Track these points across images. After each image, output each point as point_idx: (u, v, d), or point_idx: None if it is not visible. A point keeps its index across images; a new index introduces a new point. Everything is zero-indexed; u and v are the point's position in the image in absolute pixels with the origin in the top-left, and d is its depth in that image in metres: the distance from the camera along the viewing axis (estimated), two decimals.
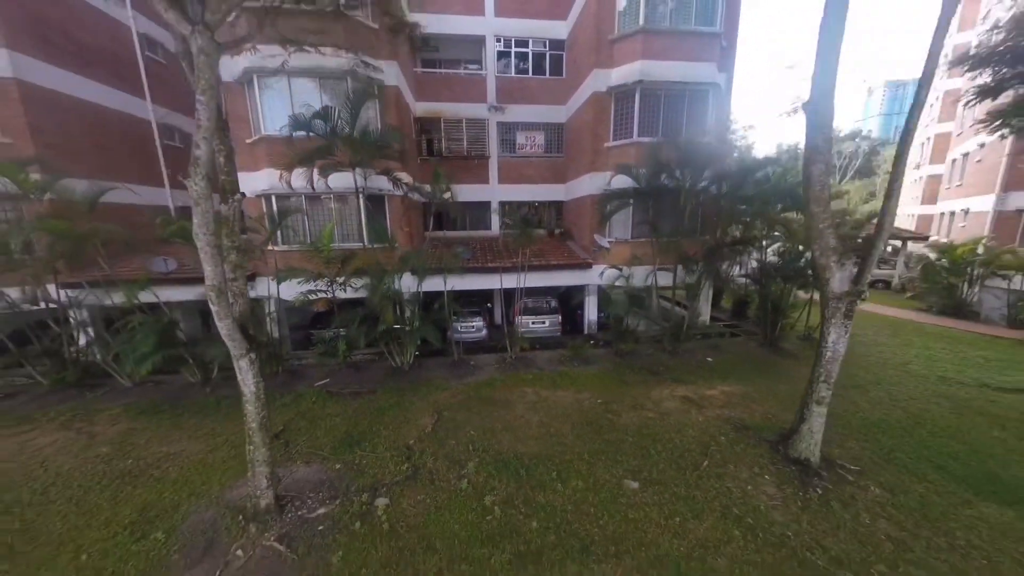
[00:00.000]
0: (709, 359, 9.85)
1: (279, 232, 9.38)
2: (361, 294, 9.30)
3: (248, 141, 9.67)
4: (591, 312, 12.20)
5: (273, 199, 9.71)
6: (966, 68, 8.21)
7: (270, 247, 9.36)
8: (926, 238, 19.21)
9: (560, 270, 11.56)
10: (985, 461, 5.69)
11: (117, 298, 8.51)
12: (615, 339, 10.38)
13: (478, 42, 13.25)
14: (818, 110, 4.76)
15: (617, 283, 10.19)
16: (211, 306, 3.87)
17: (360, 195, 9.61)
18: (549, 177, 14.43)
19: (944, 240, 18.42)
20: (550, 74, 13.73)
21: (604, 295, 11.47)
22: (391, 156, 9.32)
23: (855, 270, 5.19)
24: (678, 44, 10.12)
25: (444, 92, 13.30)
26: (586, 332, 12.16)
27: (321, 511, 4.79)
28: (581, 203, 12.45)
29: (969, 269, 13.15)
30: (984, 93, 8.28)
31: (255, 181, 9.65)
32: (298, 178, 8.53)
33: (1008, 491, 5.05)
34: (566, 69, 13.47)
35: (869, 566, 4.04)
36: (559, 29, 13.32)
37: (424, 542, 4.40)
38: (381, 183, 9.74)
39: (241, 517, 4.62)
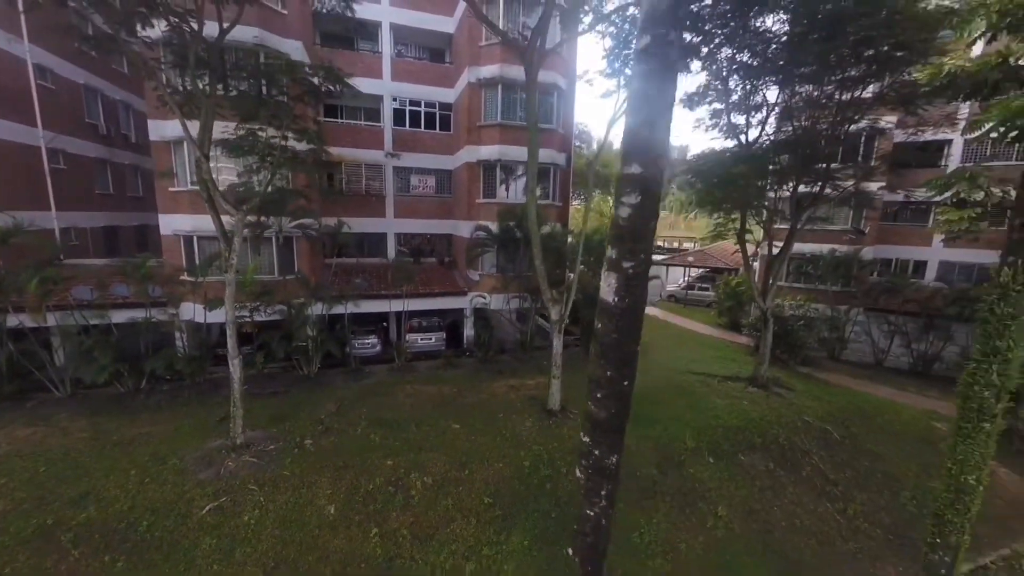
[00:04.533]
0: (545, 362, 16.92)
1: (208, 266, 14.01)
2: (276, 317, 14.41)
3: (171, 190, 14.17)
4: (468, 330, 18.65)
5: (195, 239, 14.32)
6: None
7: (200, 279, 13.93)
8: (736, 270, 29.65)
9: (442, 296, 17.82)
10: (666, 412, 13.22)
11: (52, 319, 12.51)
12: (478, 350, 16.95)
13: (377, 99, 19.06)
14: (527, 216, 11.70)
15: (482, 307, 16.80)
16: (227, 326, 9.20)
17: (278, 236, 14.74)
18: (441, 213, 20.70)
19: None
20: (440, 129, 20.11)
21: (479, 315, 18.05)
22: (301, 209, 14.63)
23: (566, 305, 12.25)
24: (526, 135, 17.19)
25: (346, 139, 18.76)
26: (464, 346, 18.56)
27: (272, 447, 10.27)
28: (462, 241, 18.92)
29: (739, 295, 22.67)
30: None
31: (180, 222, 14.19)
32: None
33: (655, 424, 12.50)
34: (453, 127, 19.94)
35: (562, 452, 10.88)
36: (448, 94, 19.77)
37: (335, 455, 10.19)
38: (292, 229, 14.98)
39: (223, 451, 9.87)
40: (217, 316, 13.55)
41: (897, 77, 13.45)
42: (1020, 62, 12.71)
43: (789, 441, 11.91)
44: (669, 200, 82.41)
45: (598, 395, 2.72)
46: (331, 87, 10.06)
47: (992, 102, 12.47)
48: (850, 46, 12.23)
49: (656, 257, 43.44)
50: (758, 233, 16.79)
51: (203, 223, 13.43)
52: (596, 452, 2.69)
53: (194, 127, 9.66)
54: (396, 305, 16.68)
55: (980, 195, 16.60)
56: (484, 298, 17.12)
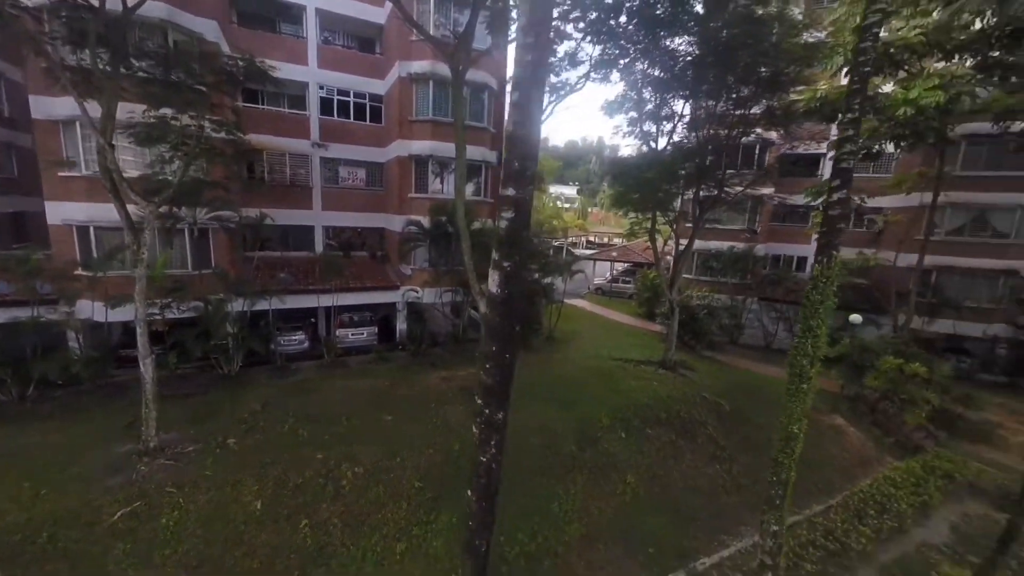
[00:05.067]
0: (478, 353, 17.64)
1: (110, 259, 12.90)
2: (191, 314, 13.66)
3: (62, 175, 12.86)
4: (401, 324, 18.81)
5: (91, 230, 13.13)
6: None
7: (100, 274, 12.79)
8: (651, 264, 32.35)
9: (373, 291, 17.80)
10: (586, 394, 14.40)
11: None
12: (411, 344, 17.24)
13: (302, 86, 18.41)
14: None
15: (415, 301, 17.07)
16: (137, 324, 8.79)
17: (192, 228, 13.92)
18: (372, 207, 20.49)
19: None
20: (371, 121, 19.86)
21: (411, 309, 18.27)
22: (218, 199, 13.94)
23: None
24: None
25: (267, 126, 17.93)
26: (397, 340, 18.70)
27: (191, 449, 9.96)
28: (394, 235, 18.96)
29: (655, 287, 24.93)
30: None
31: (72, 211, 12.93)
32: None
33: (576, 406, 13.62)
34: (384, 120, 19.80)
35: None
36: (379, 86, 19.58)
37: (261, 453, 10.13)
38: (208, 221, 14.22)
39: (134, 456, 9.43)
40: (121, 314, 12.60)
41: (779, 98, 15.66)
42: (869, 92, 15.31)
43: (689, 415, 13.65)
44: (600, 197, 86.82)
45: (487, 366, 3.41)
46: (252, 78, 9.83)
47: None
48: (741, 70, 14.11)
49: (584, 252, 45.99)
50: (669, 232, 18.74)
51: (101, 212, 12.40)
52: (487, 411, 3.37)
53: (93, 109, 9.02)
54: (325, 300, 16.43)
55: None
56: (417, 292, 17.38)
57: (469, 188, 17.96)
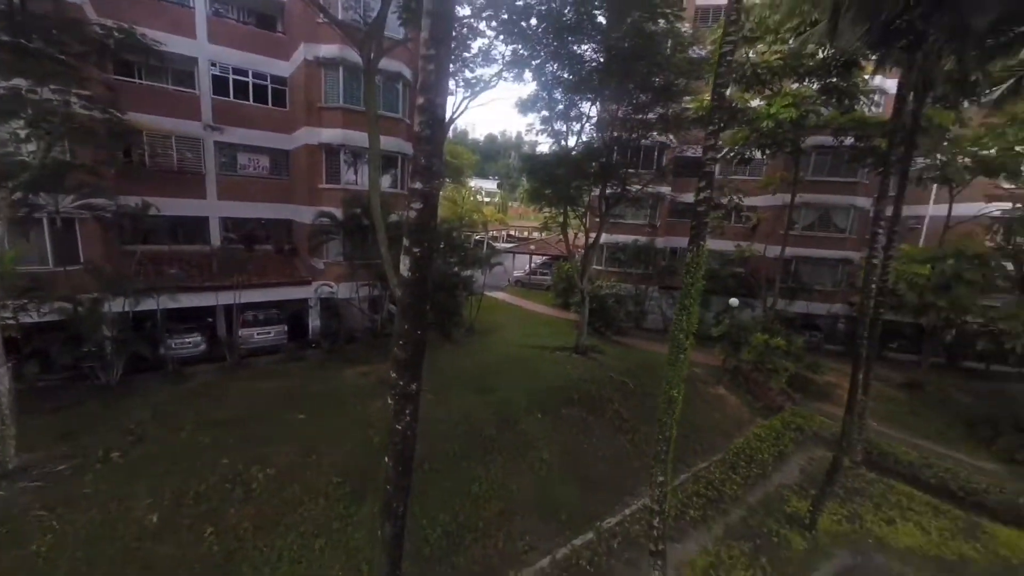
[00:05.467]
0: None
1: None
2: (55, 317, 11.92)
3: None
4: (315, 320, 18.02)
5: None
6: None
7: None
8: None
9: (281, 286, 16.84)
10: (506, 380, 15.02)
11: None
12: (325, 341, 16.67)
13: (190, 61, 16.67)
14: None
15: (329, 296, 16.47)
16: None
17: (54, 218, 12.09)
18: (278, 197, 19.21)
19: None
20: (274, 104, 18.58)
21: (325, 305, 17.58)
22: (87, 185, 12.28)
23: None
24: None
25: (147, 103, 15.97)
26: (310, 338, 17.89)
27: (63, 467, 8.86)
28: (304, 228, 18.03)
29: (570, 278, 26.57)
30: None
31: None
32: None
33: (496, 391, 14.19)
34: (290, 104, 18.64)
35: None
36: (282, 67, 18.35)
37: (154, 463, 9.33)
38: (75, 210, 12.47)
39: None
40: None
41: (671, 106, 17.53)
42: (738, 105, 17.77)
43: (598, 393, 14.97)
44: (520, 192, 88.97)
45: (400, 342, 3.75)
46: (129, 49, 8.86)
47: (726, 132, 17.33)
48: (639, 78, 15.60)
49: (505, 245, 47.05)
50: (580, 225, 20.12)
51: None
52: (401, 383, 3.70)
53: None
54: (226, 298, 15.22)
55: (725, 200, 22.55)
56: (331, 287, 16.79)
57: (385, 180, 17.67)
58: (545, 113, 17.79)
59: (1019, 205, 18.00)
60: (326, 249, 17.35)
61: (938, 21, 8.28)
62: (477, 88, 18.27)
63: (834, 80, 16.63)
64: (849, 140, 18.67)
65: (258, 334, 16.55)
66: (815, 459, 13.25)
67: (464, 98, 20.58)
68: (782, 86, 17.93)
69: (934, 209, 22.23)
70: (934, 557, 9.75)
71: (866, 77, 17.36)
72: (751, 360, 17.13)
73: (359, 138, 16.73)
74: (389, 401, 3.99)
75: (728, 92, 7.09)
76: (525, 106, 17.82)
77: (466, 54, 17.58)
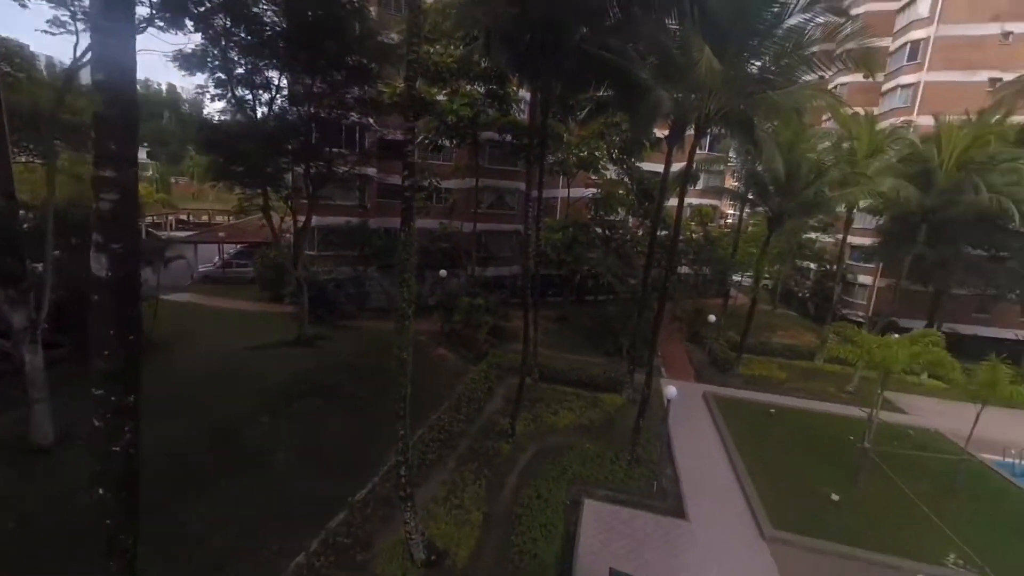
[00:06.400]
0: (18, 390, 12.16)
1: None
2: None
3: None
4: None
5: None
6: None
7: None
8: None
9: None
10: (222, 390, 12.61)
11: None
12: None
13: None
14: None
15: None
16: None
17: None
18: None
19: None
20: None
21: None
22: None
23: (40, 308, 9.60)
24: None
25: None
26: None
27: None
28: None
29: (279, 267, 24.35)
30: None
31: None
32: None
33: (209, 408, 11.86)
34: None
35: (61, 497, 8.63)
36: None
37: None
38: None
39: None
40: None
41: (368, 89, 18.18)
42: (428, 98, 20.10)
43: (330, 380, 14.93)
44: (189, 165, 70.80)
45: (105, 352, 3.14)
46: None
47: (420, 121, 19.40)
48: (332, 55, 15.46)
49: (177, 234, 37.59)
50: (286, 208, 18.59)
51: None
52: (113, 397, 3.12)
53: None
54: None
55: (426, 183, 25.29)
56: None
57: None
58: (221, 75, 15.26)
59: (599, 191, 27.78)
60: None
61: (545, 64, 12.06)
62: None
63: (494, 87, 21.07)
64: (509, 137, 24.16)
65: None
66: (512, 385, 17.47)
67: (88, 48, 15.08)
68: (459, 86, 21.33)
69: (562, 192, 31.66)
70: (578, 424, 14.96)
71: (515, 89, 22.73)
72: (461, 320, 20.55)
73: None
74: (97, 423, 3.21)
75: (417, 85, 8.31)
76: (190, 62, 14.74)
77: None
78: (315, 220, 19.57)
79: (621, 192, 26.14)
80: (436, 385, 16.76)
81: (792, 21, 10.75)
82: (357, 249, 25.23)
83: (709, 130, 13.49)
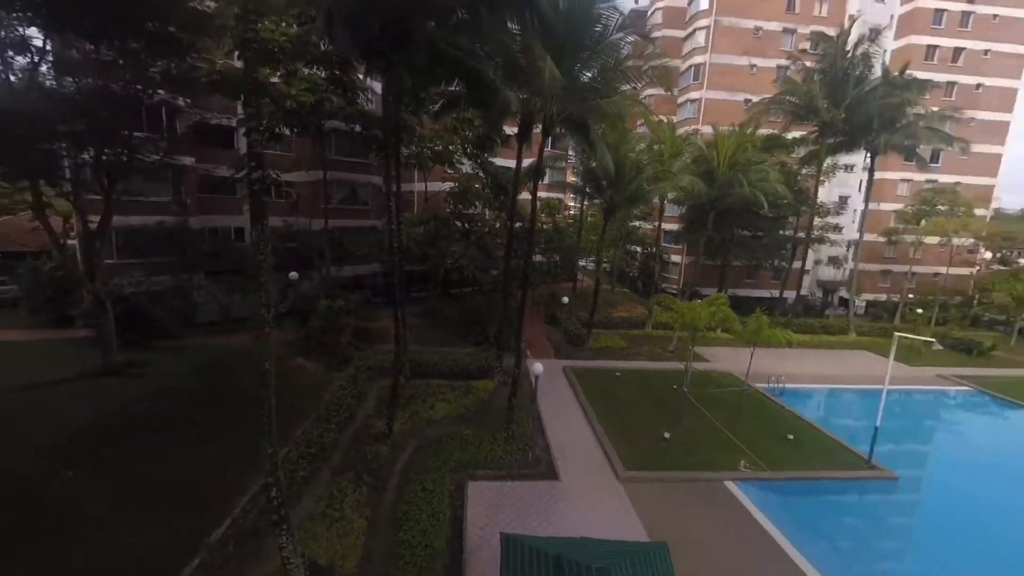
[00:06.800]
0: None
1: None
2: None
3: None
4: None
5: None
6: None
7: None
8: (48, 252, 24.62)
9: None
10: None
11: None
12: None
13: None
14: None
15: None
16: None
17: None
18: None
19: None
20: None
21: None
22: None
23: None
24: None
25: None
26: None
27: None
28: None
29: (60, 282, 19.17)
30: None
31: None
32: None
33: None
34: None
35: None
36: None
37: None
38: None
39: None
40: None
41: (177, 63, 15.33)
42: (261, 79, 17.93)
43: (157, 411, 12.55)
44: None
45: None
46: None
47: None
48: (124, 19, 12.65)
49: None
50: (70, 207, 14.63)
51: None
52: None
53: None
54: None
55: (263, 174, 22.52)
56: None
57: None
58: None
59: (456, 184, 28.32)
60: None
61: (394, 56, 11.93)
62: None
63: (337, 73, 19.78)
64: (358, 128, 22.96)
65: None
66: (383, 387, 17.01)
67: None
68: (296, 68, 19.43)
69: (419, 186, 31.33)
70: (454, 415, 15.41)
71: (361, 76, 21.60)
72: (320, 325, 19.06)
73: None
74: None
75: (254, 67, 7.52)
76: None
77: None
78: (117, 220, 15.89)
79: (477, 186, 27.08)
80: (298, 398, 15.36)
81: (613, 38, 12.73)
82: (177, 254, 21.27)
83: (553, 130, 15.03)
